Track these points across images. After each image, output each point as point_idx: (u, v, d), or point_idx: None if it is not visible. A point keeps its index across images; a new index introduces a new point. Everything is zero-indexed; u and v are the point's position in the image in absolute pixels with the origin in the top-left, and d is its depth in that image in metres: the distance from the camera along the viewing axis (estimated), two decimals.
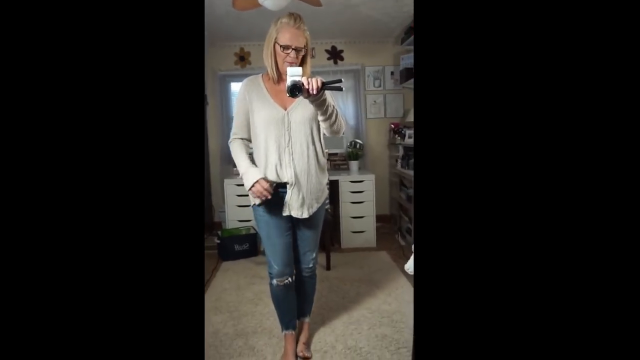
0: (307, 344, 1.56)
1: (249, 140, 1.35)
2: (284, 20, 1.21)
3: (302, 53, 1.23)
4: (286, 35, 1.20)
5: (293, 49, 1.20)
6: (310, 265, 1.46)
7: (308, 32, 1.24)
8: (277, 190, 1.30)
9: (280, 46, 1.20)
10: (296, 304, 1.51)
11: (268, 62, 1.26)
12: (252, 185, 1.25)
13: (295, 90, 1.05)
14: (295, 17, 1.22)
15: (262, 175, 1.26)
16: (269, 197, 1.26)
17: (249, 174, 1.26)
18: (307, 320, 1.59)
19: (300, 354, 1.49)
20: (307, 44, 1.24)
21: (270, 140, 1.26)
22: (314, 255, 1.45)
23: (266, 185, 1.25)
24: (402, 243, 2.87)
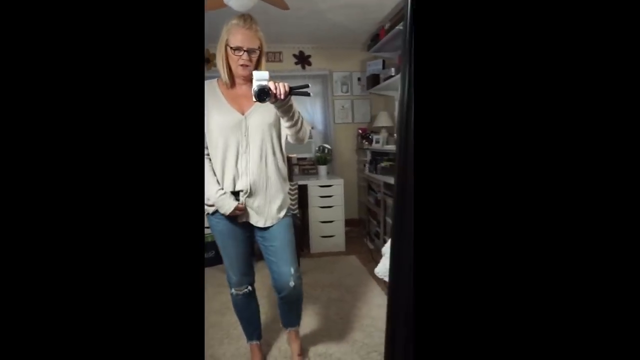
0: (302, 355, 1.47)
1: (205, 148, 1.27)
2: (234, 21, 1.16)
3: (256, 55, 1.17)
4: (237, 36, 1.14)
5: (245, 50, 1.14)
6: (292, 284, 1.27)
7: (261, 33, 1.19)
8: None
9: (232, 48, 1.15)
10: (259, 313, 1.45)
11: (220, 66, 1.20)
12: (231, 213, 1.20)
13: (263, 95, 1.02)
14: (246, 18, 1.17)
15: (236, 202, 1.21)
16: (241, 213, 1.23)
17: (223, 200, 1.21)
18: (295, 329, 1.45)
19: None
20: (261, 45, 1.18)
21: (227, 146, 1.20)
22: (293, 270, 1.27)
23: (242, 207, 1.22)
24: (371, 247, 2.90)
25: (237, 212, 1.21)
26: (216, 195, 1.21)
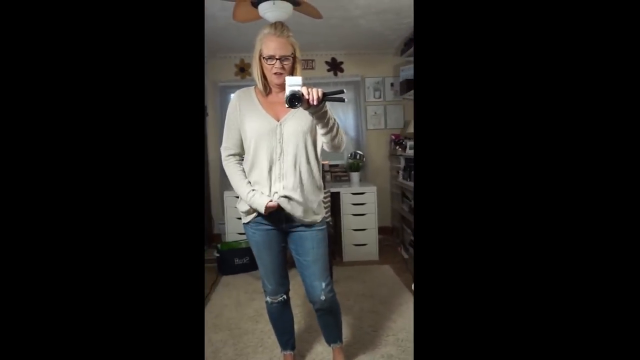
0: None
1: (241, 156, 1.29)
2: (266, 30, 1.17)
3: (289, 62, 1.17)
4: (270, 45, 1.15)
5: (277, 58, 1.15)
6: (322, 298, 1.26)
7: (294, 39, 1.19)
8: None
9: (264, 58, 1.16)
10: (293, 323, 1.44)
11: (256, 75, 1.22)
12: (265, 209, 1.20)
13: (295, 100, 1.01)
14: (277, 26, 1.17)
15: (267, 199, 1.21)
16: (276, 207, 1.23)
17: (257, 198, 1.21)
18: (338, 346, 1.42)
19: None
20: (294, 51, 1.18)
21: (262, 152, 1.21)
22: (324, 285, 1.26)
23: (275, 203, 1.21)
24: (406, 256, 2.82)
25: (270, 208, 1.21)
26: (247, 196, 1.22)
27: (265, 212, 1.21)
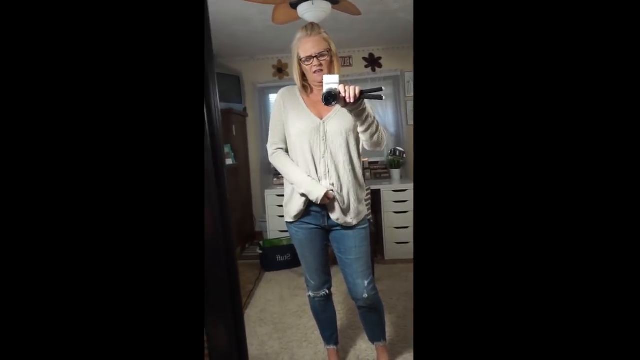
0: None
1: (288, 151, 1.31)
2: (299, 35, 1.20)
3: (326, 58, 1.19)
4: (305, 46, 1.18)
5: (314, 57, 1.17)
6: (365, 296, 1.26)
7: (327, 35, 1.20)
8: (309, 207, 1.25)
9: (302, 60, 1.19)
10: (336, 318, 1.45)
11: (296, 78, 1.25)
12: (323, 196, 1.20)
13: (331, 98, 1.02)
14: (308, 26, 1.20)
15: (325, 189, 1.20)
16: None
17: (314, 186, 1.21)
18: (382, 344, 1.41)
19: None
20: (330, 47, 1.19)
21: (306, 150, 1.22)
22: (367, 283, 1.26)
23: (332, 195, 1.21)
24: None
25: (327, 199, 1.20)
26: (305, 181, 1.21)
27: (321, 202, 1.20)
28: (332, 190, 1.21)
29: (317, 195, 1.20)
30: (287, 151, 1.30)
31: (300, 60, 1.20)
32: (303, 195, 1.23)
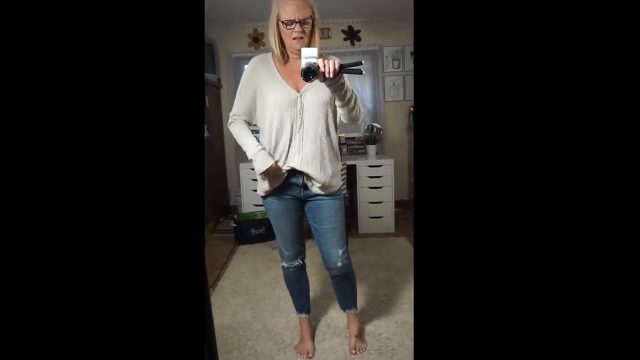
0: (360, 336, 1.45)
1: (249, 123, 1.26)
2: None
3: (309, 25, 1.12)
4: (288, 9, 1.10)
5: (297, 22, 1.10)
6: (339, 265, 1.28)
7: (312, 1, 1.13)
8: (288, 179, 1.23)
9: (283, 22, 1.11)
10: (309, 287, 1.47)
11: (273, 42, 1.17)
12: (265, 171, 1.18)
13: (310, 73, 0.98)
14: None
15: (273, 160, 1.18)
16: (280, 178, 1.20)
17: (260, 157, 1.18)
18: (353, 311, 1.44)
19: (352, 351, 1.40)
20: (313, 14, 1.13)
21: (280, 124, 1.18)
22: (341, 252, 1.28)
23: (278, 169, 1.18)
24: None
25: (271, 171, 1.18)
26: (255, 149, 1.19)
27: (265, 173, 1.18)
28: (277, 163, 1.19)
29: (260, 167, 1.18)
30: (248, 123, 1.26)
31: (279, 22, 1.13)
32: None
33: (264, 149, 1.20)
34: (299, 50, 1.14)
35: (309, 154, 1.20)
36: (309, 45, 1.16)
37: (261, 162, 1.18)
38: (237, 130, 1.25)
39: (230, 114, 1.26)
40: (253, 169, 1.25)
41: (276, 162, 1.19)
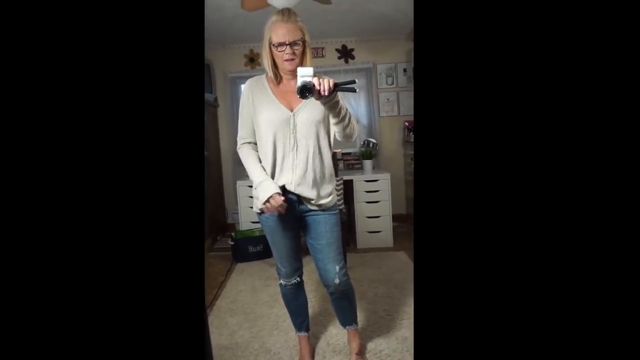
0: (360, 354, 1.42)
1: (256, 144, 1.27)
2: (274, 18, 1.15)
3: (299, 47, 1.16)
4: (279, 32, 1.14)
5: (287, 44, 1.14)
6: (337, 282, 1.25)
7: (302, 24, 1.17)
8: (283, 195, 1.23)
9: (275, 45, 1.15)
10: (307, 305, 1.45)
11: (266, 64, 1.20)
12: (266, 200, 1.17)
13: (306, 91, 1.01)
14: (284, 12, 1.16)
15: (277, 190, 1.18)
16: (283, 212, 1.19)
17: (264, 187, 1.18)
18: (353, 328, 1.42)
19: None
20: (304, 36, 1.17)
21: (275, 142, 1.20)
22: (338, 268, 1.25)
23: (280, 200, 1.17)
24: None
25: (275, 203, 1.16)
26: (259, 178, 1.19)
27: (265, 203, 1.17)
28: (280, 194, 1.17)
29: (262, 196, 1.17)
30: (255, 144, 1.27)
31: (271, 45, 1.17)
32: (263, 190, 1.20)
33: (268, 177, 1.20)
34: (292, 72, 1.18)
35: (302, 172, 1.21)
36: (301, 64, 1.19)
37: (263, 192, 1.18)
38: (245, 156, 1.26)
39: (238, 137, 1.28)
40: (250, 186, 1.25)
41: (278, 193, 1.18)
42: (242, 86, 3.42)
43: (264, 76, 1.27)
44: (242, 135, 1.27)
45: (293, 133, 1.20)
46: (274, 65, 1.21)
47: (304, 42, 1.17)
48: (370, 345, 1.53)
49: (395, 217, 3.00)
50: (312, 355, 1.46)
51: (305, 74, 1.02)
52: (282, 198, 1.17)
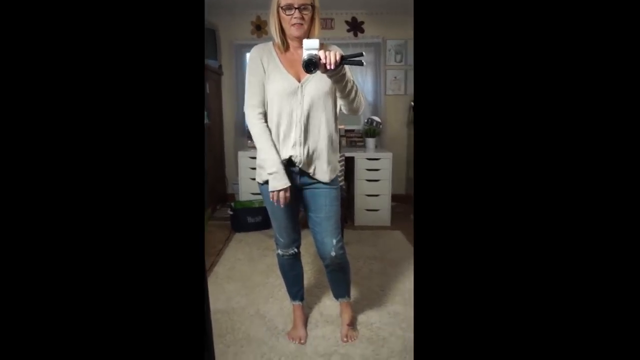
0: (352, 325, 1.47)
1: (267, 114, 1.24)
2: None
3: (309, 12, 1.11)
4: None
5: (296, 8, 1.09)
6: (333, 254, 1.28)
7: None
8: (286, 167, 1.22)
9: (282, 8, 1.10)
10: (303, 275, 1.48)
11: (274, 29, 1.16)
12: (277, 191, 1.18)
13: (311, 65, 0.97)
14: None
15: (288, 184, 1.17)
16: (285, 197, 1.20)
17: (277, 178, 1.17)
18: (346, 300, 1.46)
19: (344, 339, 1.41)
20: (314, 1, 1.12)
21: (282, 113, 1.17)
22: (335, 242, 1.27)
23: (287, 196, 1.18)
24: None
25: (282, 195, 1.18)
26: (274, 167, 1.18)
27: (271, 197, 1.19)
28: (286, 190, 1.19)
29: (274, 186, 1.18)
30: (267, 114, 1.23)
31: (279, 8, 1.12)
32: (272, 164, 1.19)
33: (281, 169, 1.18)
34: (299, 38, 1.14)
35: (307, 144, 1.20)
36: (308, 33, 1.15)
37: (275, 183, 1.18)
38: (258, 133, 1.21)
39: (246, 106, 1.23)
40: (253, 157, 1.25)
41: (285, 189, 1.18)
42: (247, 54, 3.37)
43: (270, 43, 1.23)
44: (253, 103, 1.21)
45: (301, 104, 1.18)
46: (282, 31, 1.17)
47: (313, 7, 1.13)
48: (362, 318, 1.57)
49: (395, 197, 3.01)
50: (305, 324, 1.50)
51: (310, 46, 0.99)
52: (288, 194, 1.19)
